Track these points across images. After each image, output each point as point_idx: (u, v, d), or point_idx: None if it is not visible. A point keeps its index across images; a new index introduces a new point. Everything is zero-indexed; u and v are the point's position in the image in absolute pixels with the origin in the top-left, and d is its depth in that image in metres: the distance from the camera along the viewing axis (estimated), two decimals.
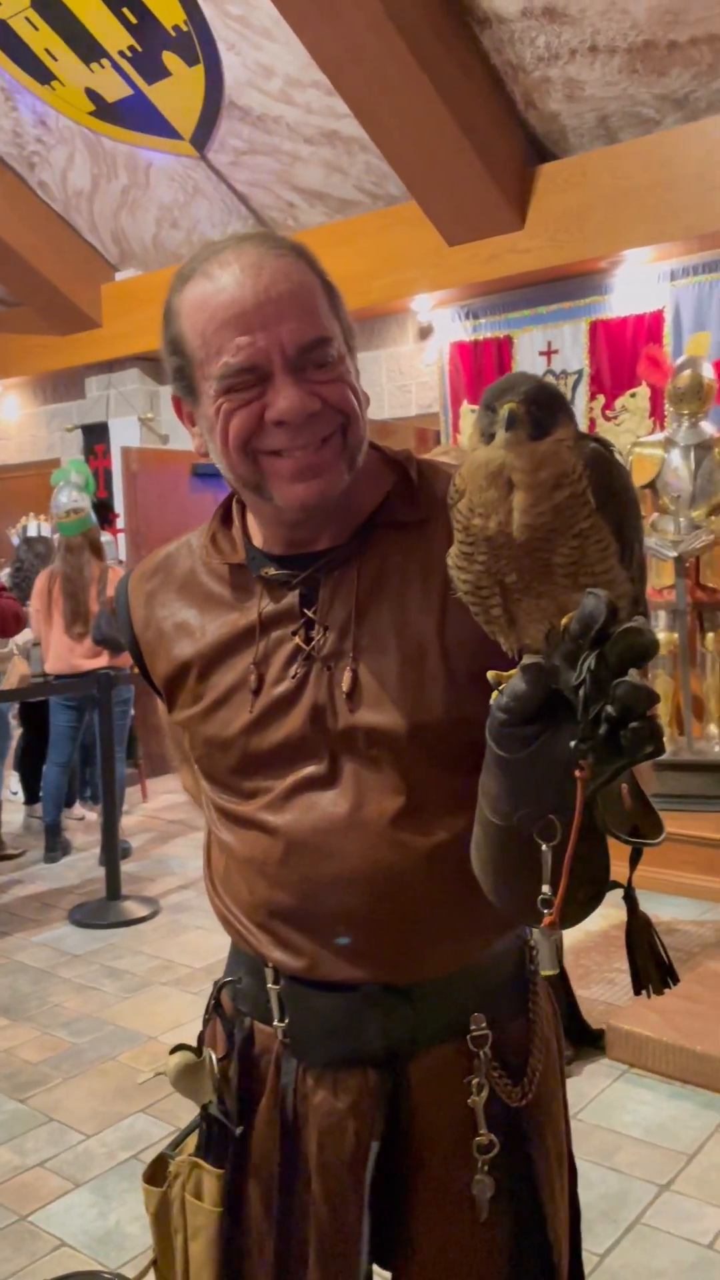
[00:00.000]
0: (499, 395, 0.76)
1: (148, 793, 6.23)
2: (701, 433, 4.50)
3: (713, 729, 4.59)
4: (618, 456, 0.80)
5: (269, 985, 1.08)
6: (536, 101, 4.75)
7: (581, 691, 0.69)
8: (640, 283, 5.03)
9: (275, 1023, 1.08)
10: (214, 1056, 1.15)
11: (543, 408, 0.76)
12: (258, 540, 1.08)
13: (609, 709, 0.68)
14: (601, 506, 0.75)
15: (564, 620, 0.72)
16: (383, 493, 1.05)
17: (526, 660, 0.74)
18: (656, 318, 5.00)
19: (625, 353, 5.09)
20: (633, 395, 5.09)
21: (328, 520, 1.03)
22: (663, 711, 4.63)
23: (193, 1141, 1.18)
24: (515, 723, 0.75)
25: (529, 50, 4.52)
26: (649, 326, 5.02)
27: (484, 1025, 1.05)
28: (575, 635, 0.69)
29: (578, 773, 0.70)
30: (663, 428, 4.85)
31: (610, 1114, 2.70)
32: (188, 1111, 1.17)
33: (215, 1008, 1.18)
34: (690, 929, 3.81)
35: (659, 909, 4.02)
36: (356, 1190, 1.04)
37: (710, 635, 4.59)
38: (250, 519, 1.10)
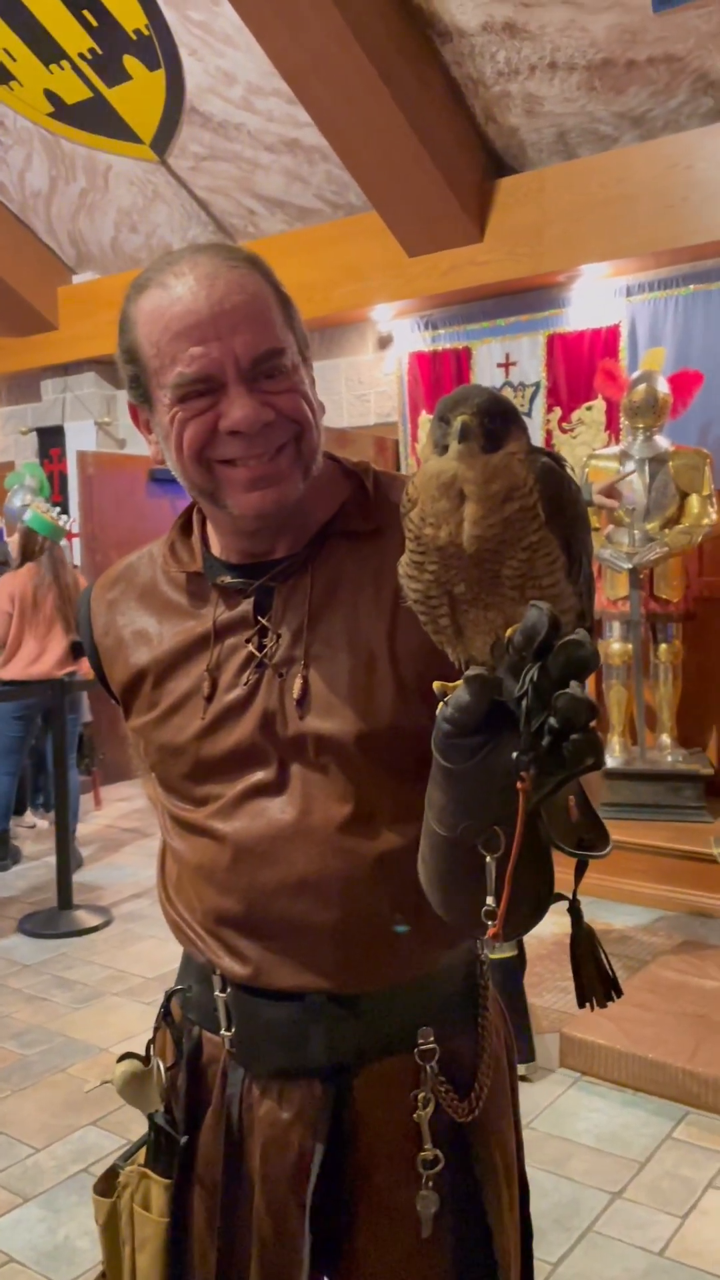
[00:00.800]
0: (453, 407, 0.77)
1: (101, 801, 6.16)
2: (656, 446, 4.57)
3: (665, 739, 4.65)
4: (569, 471, 0.81)
5: (216, 994, 1.07)
6: (496, 116, 4.80)
7: (524, 703, 0.69)
8: (597, 298, 5.09)
9: (223, 1032, 1.08)
10: (162, 1065, 1.14)
11: (496, 420, 0.76)
12: (216, 549, 1.09)
13: (551, 721, 0.68)
14: (551, 520, 0.76)
15: (508, 632, 0.73)
16: (338, 503, 1.07)
17: (471, 672, 0.74)
18: (613, 332, 5.06)
19: (582, 366, 5.14)
20: (589, 408, 5.15)
21: (283, 529, 1.05)
22: (616, 722, 4.68)
23: (145, 1153, 1.17)
24: (459, 734, 0.75)
25: (489, 65, 4.57)
26: (605, 341, 5.08)
27: (431, 1039, 1.04)
28: (519, 647, 0.70)
29: (519, 784, 0.71)
30: (618, 441, 4.91)
31: (563, 1122, 2.71)
32: (139, 1123, 1.16)
33: (165, 1016, 1.18)
34: (642, 937, 3.85)
35: (611, 917, 4.05)
36: (298, 1203, 1.03)
37: (663, 646, 4.64)
38: (209, 528, 1.11)
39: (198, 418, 0.97)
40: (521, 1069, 2.80)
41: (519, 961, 2.82)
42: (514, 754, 0.70)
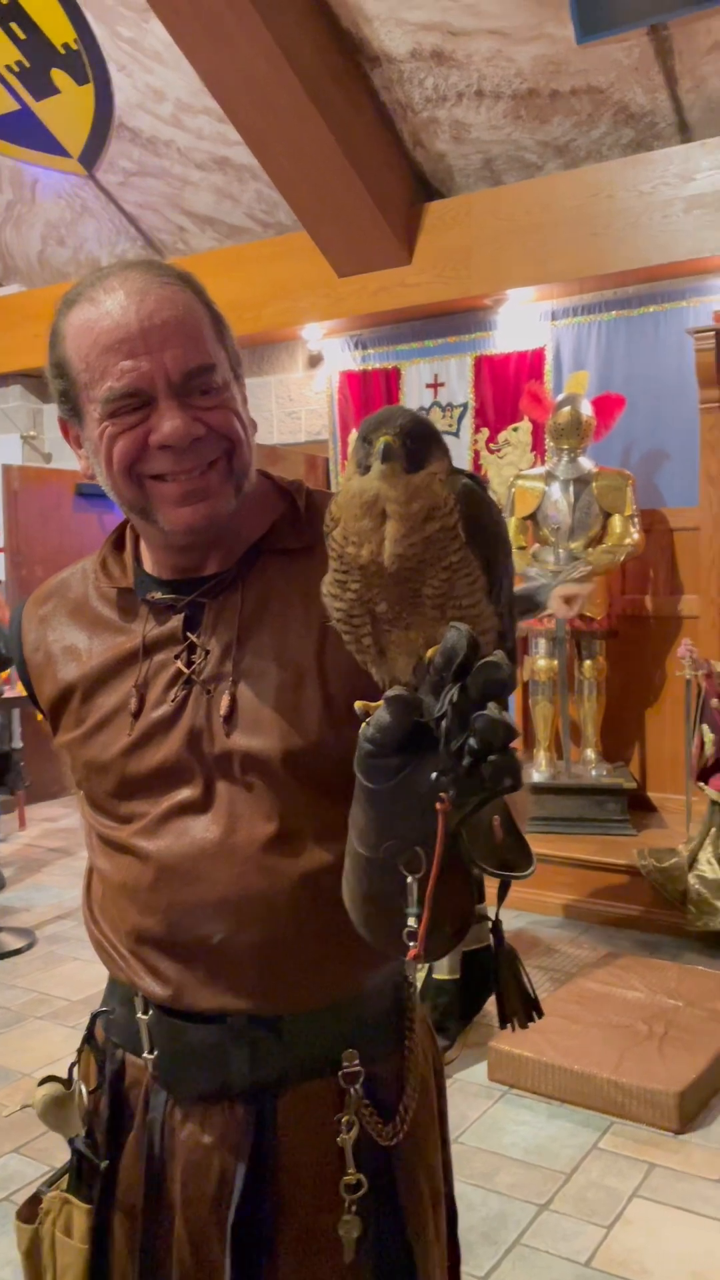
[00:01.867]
0: (375, 428, 0.78)
1: (25, 821, 6.04)
2: (580, 467, 4.66)
3: (590, 753, 4.73)
4: (490, 493, 0.83)
5: (139, 1016, 1.06)
6: (424, 141, 4.88)
7: (443, 724, 0.70)
8: (523, 321, 5.19)
9: (145, 1055, 1.06)
10: (84, 1089, 1.13)
11: (417, 441, 0.78)
12: (148, 565, 1.09)
13: (470, 742, 0.69)
14: (471, 541, 0.77)
15: (429, 653, 0.73)
16: (270, 520, 1.07)
17: (391, 692, 0.74)
18: (538, 355, 5.16)
19: (508, 388, 5.23)
20: (515, 429, 5.24)
21: (215, 545, 1.05)
22: (542, 737, 4.75)
23: (67, 1179, 1.15)
24: (381, 754, 0.75)
25: (417, 91, 4.64)
26: (531, 363, 5.18)
27: (356, 1062, 1.04)
28: (438, 668, 0.71)
29: (439, 805, 0.71)
30: (543, 462, 5.00)
31: (491, 1136, 2.73)
32: (63, 1149, 1.14)
33: (88, 1039, 1.16)
34: (567, 950, 3.90)
35: (537, 930, 4.10)
36: (219, 1228, 1.02)
37: (588, 663, 4.73)
38: (142, 544, 1.10)
39: (128, 432, 0.97)
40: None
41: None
42: (434, 774, 0.70)
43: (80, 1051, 1.17)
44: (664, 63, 4.22)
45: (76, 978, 3.82)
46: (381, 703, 0.76)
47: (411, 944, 0.76)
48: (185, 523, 0.99)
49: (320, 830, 1.00)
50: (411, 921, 0.76)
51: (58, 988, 3.76)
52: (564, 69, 4.35)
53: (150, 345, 0.95)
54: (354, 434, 4.81)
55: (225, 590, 1.04)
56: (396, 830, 0.77)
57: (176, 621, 1.05)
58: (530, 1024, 0.89)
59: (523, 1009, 0.89)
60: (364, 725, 0.77)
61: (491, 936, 0.89)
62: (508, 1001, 0.89)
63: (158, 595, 1.06)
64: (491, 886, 0.84)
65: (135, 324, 0.95)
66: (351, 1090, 1.03)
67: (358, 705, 0.79)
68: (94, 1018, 1.16)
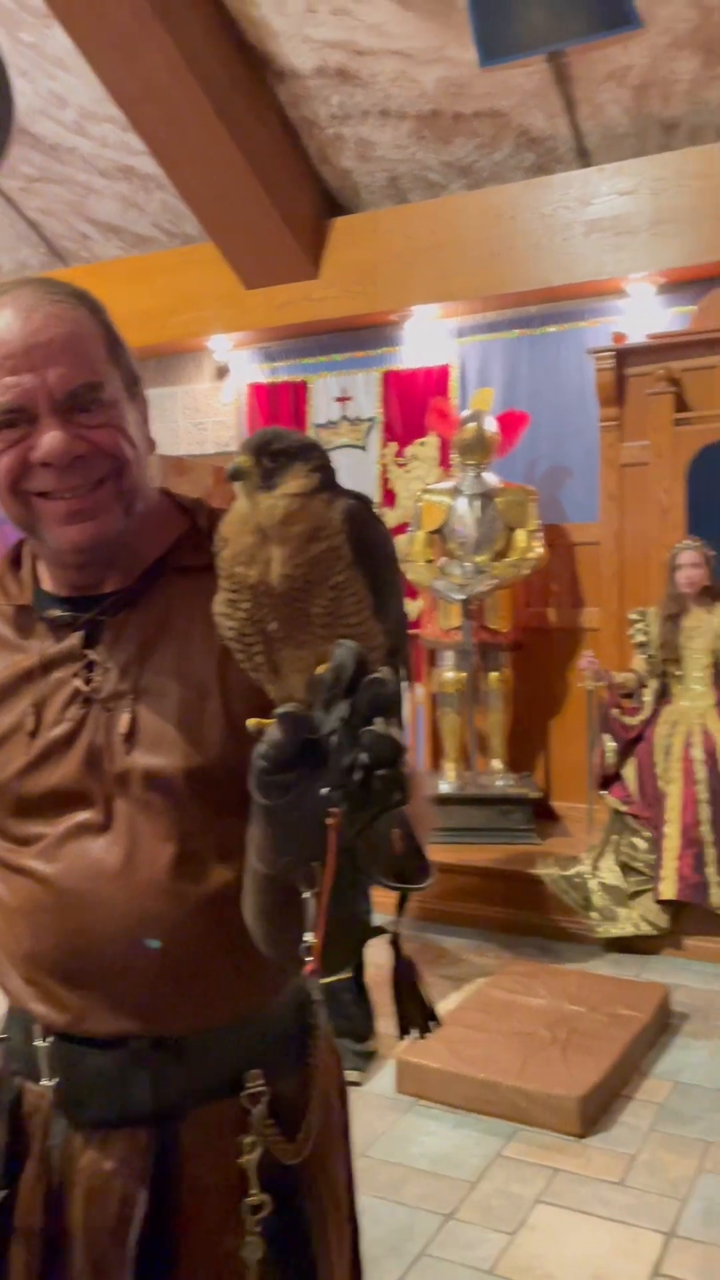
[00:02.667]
0: (240, 449, 0.80)
1: None
2: (485, 482, 4.74)
3: (496, 764, 4.80)
4: (375, 512, 0.84)
5: (36, 1043, 1.04)
6: (330, 157, 4.91)
7: (333, 740, 0.71)
8: (429, 337, 5.25)
9: (44, 1082, 1.04)
10: None
11: (275, 459, 0.79)
12: (46, 583, 1.08)
13: (361, 757, 0.70)
14: (357, 561, 0.78)
15: (319, 670, 0.74)
16: (172, 538, 1.07)
17: (282, 709, 0.75)
18: (444, 372, 5.23)
19: (415, 403, 5.30)
20: (422, 444, 5.30)
21: (110, 563, 1.04)
22: (450, 747, 4.80)
23: None
24: (273, 770, 0.75)
25: (323, 108, 4.67)
26: (437, 380, 5.25)
27: (260, 1082, 1.03)
28: (328, 685, 0.72)
29: (329, 820, 0.72)
30: (450, 476, 5.07)
31: (397, 1148, 2.74)
32: None
33: None
34: (472, 958, 3.94)
35: (443, 939, 4.14)
36: (121, 1256, 1.01)
37: (494, 674, 4.80)
38: (39, 561, 1.09)
39: (10, 449, 0.96)
40: None
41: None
42: (324, 790, 0.71)
43: None
44: (563, 89, 4.34)
45: None
46: (273, 720, 0.76)
47: (309, 959, 0.76)
48: (71, 541, 0.99)
49: (222, 850, 0.99)
50: (309, 937, 0.76)
51: None
52: (467, 92, 4.43)
53: (34, 362, 0.95)
54: None
55: (125, 608, 1.03)
56: (292, 846, 0.77)
57: (75, 639, 1.03)
58: (428, 1034, 0.90)
59: (421, 1019, 0.90)
60: (258, 742, 0.77)
61: (391, 949, 0.89)
62: (406, 1012, 0.90)
63: (56, 612, 1.04)
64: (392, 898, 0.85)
65: (19, 341, 0.95)
66: (255, 1110, 1.03)
67: (250, 723, 0.80)
68: None
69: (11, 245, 5.94)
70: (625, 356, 4.61)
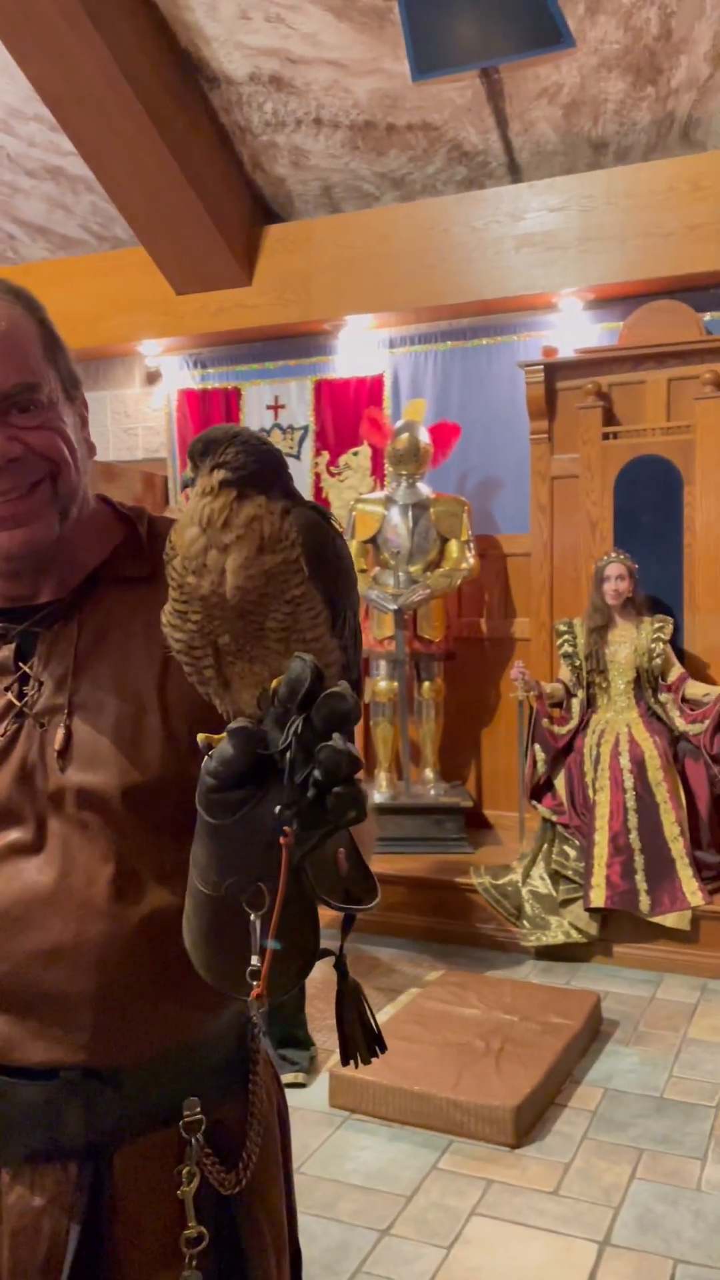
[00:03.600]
0: (192, 450, 0.77)
1: None
2: (418, 492, 4.76)
3: (428, 773, 4.81)
4: (334, 523, 0.82)
5: None
6: (264, 164, 4.89)
7: (288, 756, 0.68)
8: (362, 347, 5.26)
9: None
10: None
11: (195, 461, 0.77)
12: None
13: (315, 774, 0.67)
14: (314, 574, 0.76)
15: (273, 684, 0.72)
16: (110, 547, 1.03)
17: (234, 724, 0.72)
18: (377, 381, 5.24)
19: (348, 412, 5.29)
20: (355, 453, 5.30)
21: (44, 572, 1.01)
22: (383, 757, 4.80)
23: None
24: (222, 788, 0.73)
25: (256, 114, 4.66)
26: (370, 389, 5.26)
27: (198, 1110, 1.00)
28: (283, 699, 0.69)
29: (282, 839, 0.69)
30: (383, 486, 5.08)
31: (332, 1164, 2.71)
32: None
33: None
34: (407, 969, 3.94)
35: (376, 950, 4.12)
36: None
37: (426, 684, 4.81)
38: None
39: None
40: None
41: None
42: (277, 808, 0.69)
43: None
44: (495, 105, 4.39)
45: None
46: (224, 735, 0.74)
47: (255, 983, 0.73)
48: (4, 548, 0.95)
49: (160, 871, 0.96)
50: (255, 960, 0.74)
51: None
52: (400, 104, 4.45)
53: None
54: None
55: (60, 619, 1.00)
56: (239, 866, 0.75)
57: (7, 651, 1.00)
58: (373, 1059, 0.88)
59: (365, 1044, 0.88)
60: (206, 758, 0.74)
61: (336, 972, 0.87)
62: (351, 1038, 0.87)
63: None
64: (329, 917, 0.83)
65: None
66: (193, 1140, 0.99)
67: (200, 737, 0.77)
68: None
69: None
70: (555, 371, 4.67)
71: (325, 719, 0.68)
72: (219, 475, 0.76)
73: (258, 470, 0.76)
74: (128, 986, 0.96)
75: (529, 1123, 2.84)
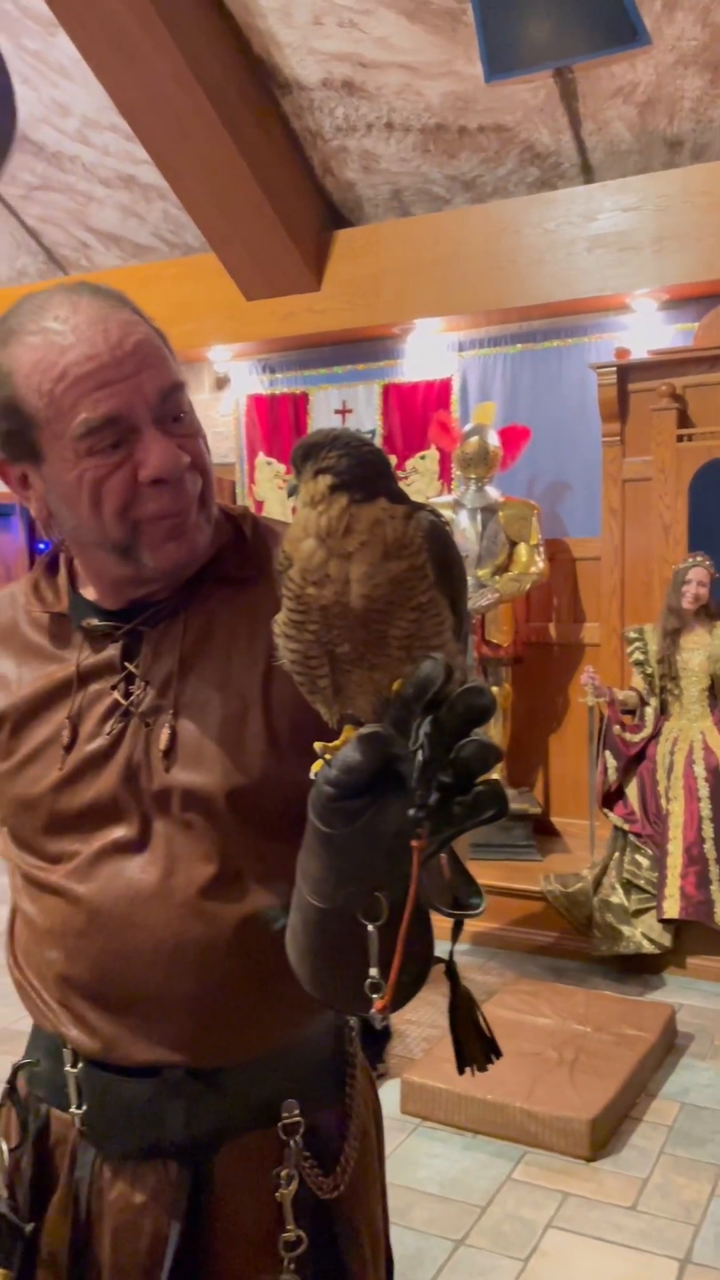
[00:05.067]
0: (300, 454, 0.73)
1: None
2: (487, 496, 4.72)
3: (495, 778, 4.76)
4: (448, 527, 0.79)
5: (67, 1069, 1.00)
6: (334, 169, 4.90)
7: (419, 756, 0.65)
8: (431, 351, 5.24)
9: (73, 1110, 1.00)
10: (5, 1146, 1.06)
11: (298, 467, 0.73)
12: (88, 592, 1.03)
13: (442, 775, 0.65)
14: (440, 580, 0.73)
15: (395, 686, 0.70)
16: (216, 548, 1.03)
17: (366, 729, 0.69)
18: (445, 385, 5.22)
19: (416, 416, 5.28)
20: (422, 457, 5.28)
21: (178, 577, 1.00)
22: None
23: None
24: (344, 796, 0.70)
25: (328, 119, 4.67)
26: (438, 393, 5.24)
27: (296, 1113, 0.99)
28: (409, 700, 0.67)
29: (415, 842, 0.66)
30: (450, 490, 5.05)
31: (405, 1171, 2.69)
32: None
33: (9, 1093, 1.09)
34: (477, 977, 3.90)
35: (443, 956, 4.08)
36: None
37: (494, 689, 4.77)
38: (79, 569, 1.05)
39: (115, 473, 0.91)
40: None
41: None
42: (410, 811, 0.66)
43: (0, 1107, 1.10)
44: (569, 105, 4.34)
45: None
46: (341, 741, 0.71)
47: (376, 996, 0.71)
48: (172, 561, 0.95)
49: (261, 871, 0.95)
50: (374, 973, 0.72)
51: None
52: (472, 106, 4.43)
53: (124, 372, 0.90)
54: (261, 458, 4.77)
55: (166, 619, 0.99)
56: (356, 877, 0.73)
57: (113, 650, 0.99)
58: (489, 1066, 0.86)
59: (481, 1052, 0.86)
60: (320, 767, 0.71)
61: (447, 979, 0.85)
62: (466, 1046, 0.85)
63: (94, 622, 1.00)
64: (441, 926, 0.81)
65: (106, 352, 0.90)
66: (291, 1142, 0.99)
67: (318, 746, 0.74)
68: (15, 1070, 1.09)
69: (10, 253, 5.90)
70: (628, 372, 4.61)
71: (462, 714, 0.65)
72: (325, 480, 0.72)
73: (363, 473, 0.73)
74: (226, 987, 0.95)
75: (605, 1136, 2.79)
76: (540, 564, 4.68)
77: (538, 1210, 2.53)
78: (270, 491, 5.66)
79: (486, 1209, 2.53)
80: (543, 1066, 2.98)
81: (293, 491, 0.74)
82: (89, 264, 5.79)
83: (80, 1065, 0.99)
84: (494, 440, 4.73)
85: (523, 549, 4.71)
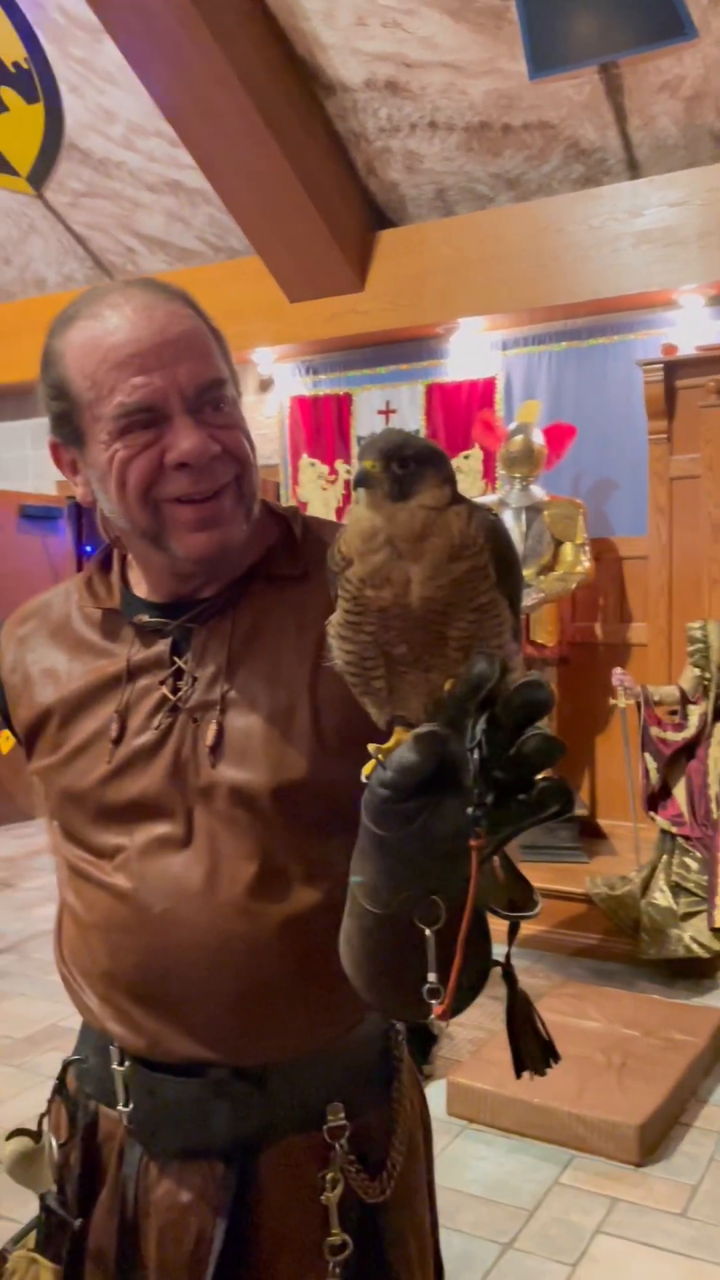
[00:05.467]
0: (362, 453, 0.72)
1: None
2: (532, 495, 4.69)
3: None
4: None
5: (114, 1067, 1.01)
6: (378, 170, 4.90)
7: (476, 754, 0.64)
8: (474, 350, 5.22)
9: (120, 1107, 1.01)
10: (55, 1142, 1.07)
11: (406, 465, 0.71)
12: (139, 588, 1.05)
13: (498, 773, 0.64)
14: (500, 580, 0.72)
15: (448, 685, 0.69)
16: (265, 546, 1.04)
17: (422, 729, 0.68)
18: (489, 384, 5.20)
19: (460, 416, 5.26)
20: (466, 457, 5.26)
21: (218, 572, 1.01)
22: None
23: (34, 1236, 1.09)
24: (399, 798, 0.69)
25: (371, 120, 4.67)
26: (482, 392, 5.21)
27: (342, 1115, 0.99)
28: (463, 697, 0.66)
29: (473, 842, 0.65)
30: (494, 489, 5.02)
31: (451, 1172, 2.68)
32: (21, 1205, 1.07)
33: (59, 1089, 1.10)
34: (522, 979, 3.85)
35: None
36: None
37: None
38: (131, 565, 1.06)
39: (142, 454, 0.93)
40: None
41: None
42: (469, 810, 0.65)
43: (50, 1102, 1.11)
44: (614, 100, 4.31)
45: (19, 1014, 3.69)
46: (395, 742, 0.70)
47: (434, 1001, 0.70)
48: (200, 550, 0.96)
49: (306, 871, 0.95)
50: (432, 977, 0.71)
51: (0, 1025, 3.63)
52: (516, 104, 4.41)
53: (163, 360, 0.92)
54: (304, 459, 4.77)
55: (215, 615, 1.00)
56: (412, 880, 0.72)
57: (163, 646, 1.01)
58: (547, 1070, 0.85)
59: (540, 1056, 0.85)
60: (375, 769, 0.70)
61: (505, 982, 0.84)
62: (525, 1050, 0.84)
63: (145, 618, 1.02)
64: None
65: (146, 339, 0.92)
66: (337, 1146, 0.98)
67: (371, 748, 0.73)
68: (65, 1066, 1.11)
69: (58, 259, 5.98)
70: (675, 369, 4.55)
71: (521, 709, 0.64)
72: (443, 490, 0.71)
73: (413, 467, 0.71)
74: (270, 987, 0.95)
75: (654, 1141, 2.76)
76: (586, 563, 4.64)
77: (586, 1215, 2.50)
78: (314, 492, 5.67)
79: (534, 1213, 2.52)
80: (590, 1070, 2.95)
81: (365, 482, 0.71)
82: (135, 269, 5.84)
83: (127, 1064, 1.00)
84: (539, 439, 4.69)
85: (568, 548, 4.67)
